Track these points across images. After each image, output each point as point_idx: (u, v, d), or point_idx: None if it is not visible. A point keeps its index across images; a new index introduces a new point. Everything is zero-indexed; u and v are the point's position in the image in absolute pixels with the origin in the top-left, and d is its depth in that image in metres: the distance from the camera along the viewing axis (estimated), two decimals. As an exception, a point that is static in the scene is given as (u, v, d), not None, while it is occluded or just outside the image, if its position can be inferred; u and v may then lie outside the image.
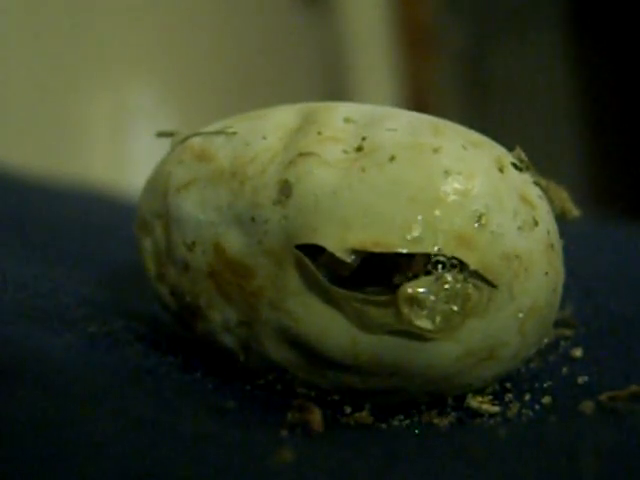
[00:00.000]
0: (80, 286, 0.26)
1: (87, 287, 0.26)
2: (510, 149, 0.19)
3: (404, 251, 0.17)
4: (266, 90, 0.90)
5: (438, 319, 0.17)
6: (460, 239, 0.17)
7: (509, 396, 0.19)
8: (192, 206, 0.19)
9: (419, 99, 1.15)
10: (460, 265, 0.17)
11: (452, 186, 0.17)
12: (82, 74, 0.69)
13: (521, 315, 0.18)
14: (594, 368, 0.21)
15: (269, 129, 0.19)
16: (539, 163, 0.19)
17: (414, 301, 0.17)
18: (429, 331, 0.17)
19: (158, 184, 0.20)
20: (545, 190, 0.19)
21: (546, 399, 0.19)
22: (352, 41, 1.16)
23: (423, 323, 0.17)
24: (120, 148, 0.74)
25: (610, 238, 0.38)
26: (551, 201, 0.19)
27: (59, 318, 0.21)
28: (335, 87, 1.11)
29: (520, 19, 1.32)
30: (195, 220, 0.19)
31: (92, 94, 0.71)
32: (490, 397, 0.19)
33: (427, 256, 0.17)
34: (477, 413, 0.18)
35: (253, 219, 0.18)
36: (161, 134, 0.21)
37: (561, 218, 0.20)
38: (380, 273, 0.17)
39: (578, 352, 0.22)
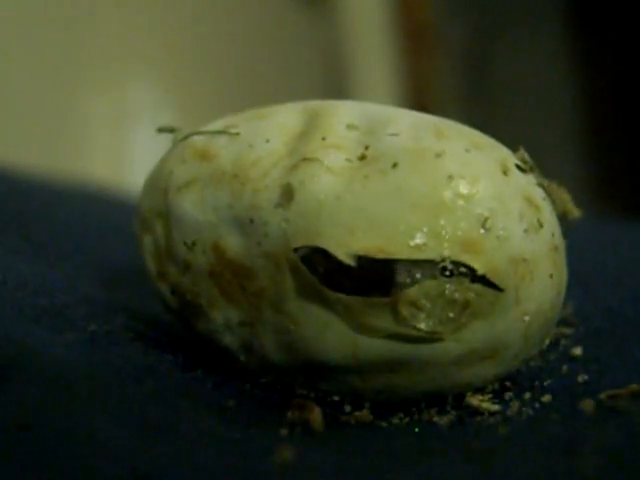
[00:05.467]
0: (80, 285, 0.26)
1: (87, 286, 0.26)
2: (510, 148, 0.19)
3: (408, 258, 0.17)
4: (267, 89, 0.90)
5: (434, 324, 0.17)
6: (465, 244, 0.17)
7: (509, 394, 0.19)
8: (192, 206, 0.19)
9: (419, 98, 1.15)
10: (468, 270, 0.17)
11: (456, 191, 0.17)
12: (82, 73, 0.69)
13: (527, 318, 0.18)
14: (594, 367, 0.21)
15: (272, 131, 0.19)
16: (539, 162, 0.19)
17: (414, 304, 0.17)
18: (426, 333, 0.17)
19: (159, 182, 0.20)
20: (547, 191, 0.19)
21: (546, 397, 0.19)
22: (353, 40, 1.16)
23: (421, 326, 0.17)
24: (120, 147, 0.74)
25: (610, 237, 0.38)
26: (553, 202, 0.19)
27: (59, 317, 0.21)
28: (335, 86, 1.11)
29: (521, 18, 1.32)
30: (195, 220, 0.19)
31: (92, 93, 0.70)
32: (490, 395, 0.19)
33: (433, 260, 0.17)
34: (477, 411, 0.18)
35: (252, 221, 0.18)
36: (162, 130, 0.21)
37: (562, 219, 0.20)
38: (379, 272, 0.17)
39: (578, 351, 0.22)
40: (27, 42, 0.63)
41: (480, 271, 0.17)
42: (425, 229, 0.17)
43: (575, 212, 0.20)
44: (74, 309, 0.22)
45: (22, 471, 0.13)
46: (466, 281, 0.17)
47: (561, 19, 1.36)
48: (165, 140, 0.21)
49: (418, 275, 0.17)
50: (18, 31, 0.62)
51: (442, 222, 0.17)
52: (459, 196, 0.17)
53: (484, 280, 0.17)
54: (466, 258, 0.17)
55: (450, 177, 0.17)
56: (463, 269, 0.17)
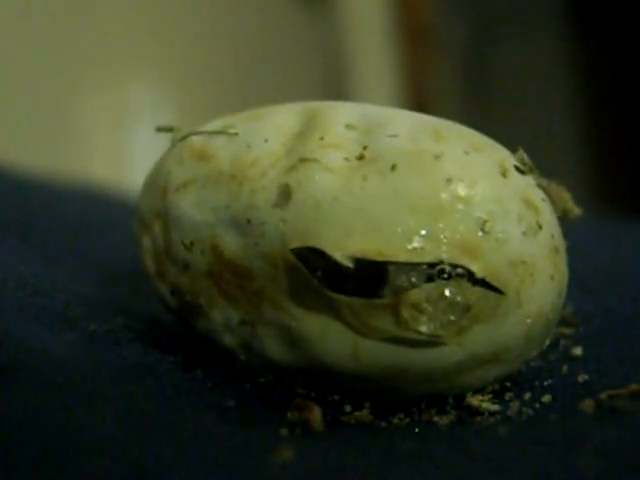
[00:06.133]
0: (80, 285, 0.26)
1: (87, 286, 0.26)
2: (510, 149, 0.19)
3: (406, 261, 0.17)
4: (266, 89, 0.90)
5: (436, 327, 0.17)
6: (464, 247, 0.17)
7: (509, 395, 0.19)
8: (190, 206, 0.19)
9: (419, 99, 1.15)
10: (467, 273, 0.17)
11: (454, 193, 0.17)
12: (82, 73, 0.69)
13: (529, 321, 0.18)
14: (594, 367, 0.21)
15: (270, 132, 0.19)
16: (539, 163, 0.19)
17: (415, 307, 0.17)
18: (428, 336, 0.17)
19: (157, 182, 0.20)
20: (546, 191, 0.19)
21: (546, 398, 0.19)
22: (352, 40, 1.16)
23: (422, 329, 0.17)
24: (120, 147, 0.74)
25: (610, 237, 0.38)
26: (552, 202, 0.19)
27: (59, 317, 0.21)
28: (335, 86, 1.11)
29: (520, 19, 1.33)
30: (193, 220, 0.19)
31: (92, 94, 0.70)
32: (490, 396, 0.19)
33: (432, 267, 0.17)
34: (477, 411, 0.18)
35: (249, 221, 0.18)
36: (160, 129, 0.21)
37: (563, 218, 0.19)
38: (377, 273, 0.17)
39: (578, 351, 0.22)
40: (27, 42, 0.63)
41: (479, 274, 0.17)
42: (423, 232, 0.17)
43: (575, 211, 0.20)
44: (74, 309, 0.22)
45: (22, 471, 0.13)
46: (466, 284, 0.17)
47: (560, 20, 1.36)
48: (164, 140, 0.21)
49: (414, 278, 0.17)
50: (18, 31, 0.62)
51: (440, 225, 0.17)
52: (458, 199, 0.17)
53: (484, 283, 0.17)
54: (465, 261, 0.17)
55: (449, 180, 0.17)
56: (461, 271, 0.17)
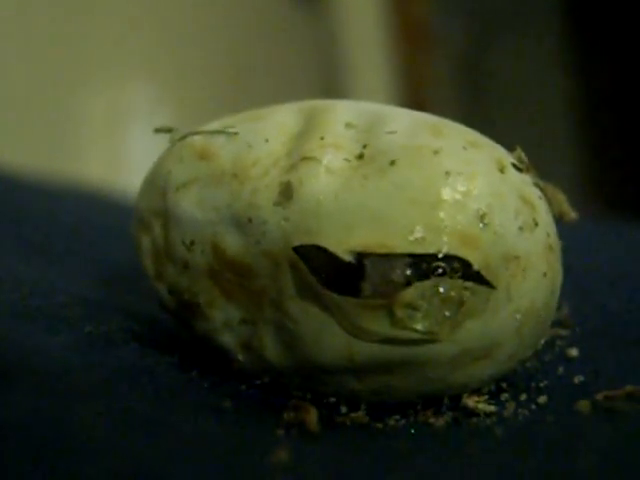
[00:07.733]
0: (77, 286, 0.26)
1: (84, 287, 0.26)
2: (507, 149, 0.19)
3: (408, 252, 0.17)
4: (263, 88, 0.90)
5: (431, 324, 0.17)
6: (464, 238, 0.17)
7: (505, 396, 0.19)
8: (191, 205, 0.19)
9: (417, 98, 1.15)
10: (462, 267, 0.17)
11: (453, 187, 0.17)
12: (80, 74, 0.69)
13: (519, 316, 0.18)
14: (590, 368, 0.21)
15: (271, 131, 0.19)
16: (536, 162, 0.19)
17: (410, 306, 0.17)
18: (423, 334, 0.17)
19: (157, 182, 0.20)
20: (543, 192, 0.19)
21: (542, 399, 0.19)
22: (350, 39, 1.16)
23: (417, 327, 0.17)
24: (118, 148, 0.74)
25: (606, 238, 0.38)
26: (549, 203, 0.19)
27: (56, 317, 0.21)
28: (333, 86, 1.11)
29: (518, 19, 1.33)
30: (194, 219, 0.19)
31: (90, 94, 0.70)
32: (486, 397, 0.19)
33: (427, 262, 0.17)
34: (473, 413, 0.18)
35: (250, 220, 0.18)
36: (159, 130, 0.21)
37: (558, 220, 0.20)
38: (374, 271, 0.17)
39: (574, 352, 0.22)
40: (24, 42, 0.63)
41: (475, 266, 0.17)
42: (424, 223, 0.17)
43: (571, 214, 0.20)
44: (70, 310, 0.22)
45: (20, 472, 0.13)
46: (459, 279, 0.17)
47: (558, 20, 1.36)
48: (162, 140, 0.21)
49: (409, 273, 0.17)
50: (15, 31, 0.62)
51: (441, 215, 0.17)
52: (457, 192, 0.17)
53: (477, 277, 0.17)
54: (464, 252, 0.17)
55: (447, 173, 0.17)
56: (456, 265, 0.17)
